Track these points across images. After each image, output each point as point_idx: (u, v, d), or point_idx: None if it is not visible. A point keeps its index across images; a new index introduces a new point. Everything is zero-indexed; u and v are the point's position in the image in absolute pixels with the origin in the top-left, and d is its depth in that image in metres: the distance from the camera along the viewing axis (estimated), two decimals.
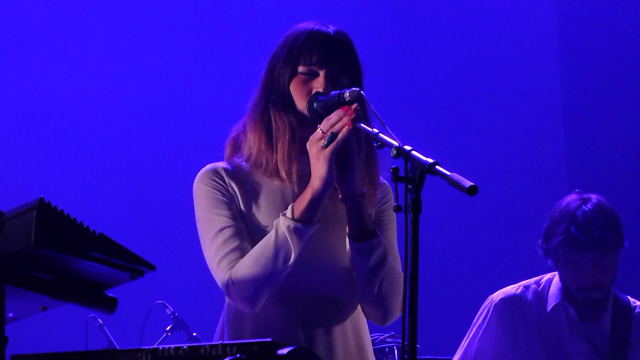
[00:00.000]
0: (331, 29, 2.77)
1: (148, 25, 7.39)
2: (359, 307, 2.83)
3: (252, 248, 2.71)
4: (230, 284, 2.69)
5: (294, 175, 2.75)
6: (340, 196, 2.69)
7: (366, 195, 2.74)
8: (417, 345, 2.29)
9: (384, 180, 2.88)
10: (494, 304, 3.80)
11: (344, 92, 2.62)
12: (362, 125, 2.57)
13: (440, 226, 6.98)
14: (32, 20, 7.22)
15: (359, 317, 2.84)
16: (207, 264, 2.78)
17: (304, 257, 2.71)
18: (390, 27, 7.51)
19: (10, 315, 2.33)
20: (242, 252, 2.72)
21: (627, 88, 7.06)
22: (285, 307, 2.75)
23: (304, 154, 2.71)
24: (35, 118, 7.20)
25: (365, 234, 2.71)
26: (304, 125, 2.74)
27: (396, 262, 2.80)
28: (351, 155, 2.65)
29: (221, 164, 2.84)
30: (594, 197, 3.74)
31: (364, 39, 7.59)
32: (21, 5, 7.21)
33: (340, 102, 2.62)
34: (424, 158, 2.30)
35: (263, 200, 2.78)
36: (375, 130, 2.50)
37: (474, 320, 3.83)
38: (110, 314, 2.32)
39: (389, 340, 5.34)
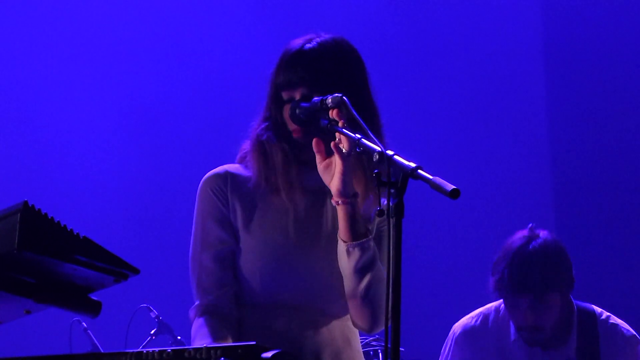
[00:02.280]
0: (309, 44, 2.80)
1: (140, 25, 7.39)
2: (349, 317, 2.84)
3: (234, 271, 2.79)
4: (192, 316, 2.81)
5: (296, 196, 2.80)
6: (333, 199, 2.71)
7: (359, 197, 2.76)
8: (401, 349, 2.30)
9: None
10: (455, 337, 3.80)
11: (326, 98, 2.63)
12: (344, 130, 2.58)
13: (424, 230, 7.00)
14: (14, 18, 7.22)
15: (350, 328, 2.85)
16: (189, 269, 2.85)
17: (295, 268, 2.76)
18: (370, 27, 7.52)
19: None
20: (218, 288, 2.79)
21: (613, 92, 7.08)
22: (274, 317, 2.77)
23: (307, 170, 2.79)
24: (19, 121, 7.19)
25: (357, 235, 2.73)
26: (299, 148, 2.79)
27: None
28: (342, 158, 2.67)
29: (230, 169, 2.87)
30: (541, 235, 3.68)
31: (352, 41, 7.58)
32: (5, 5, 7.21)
33: (322, 108, 2.64)
34: (406, 162, 2.32)
35: (262, 215, 2.82)
36: (358, 136, 2.51)
37: (441, 351, 3.84)
38: (94, 318, 2.32)
39: (373, 343, 5.35)
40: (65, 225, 2.16)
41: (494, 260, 3.69)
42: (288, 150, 2.79)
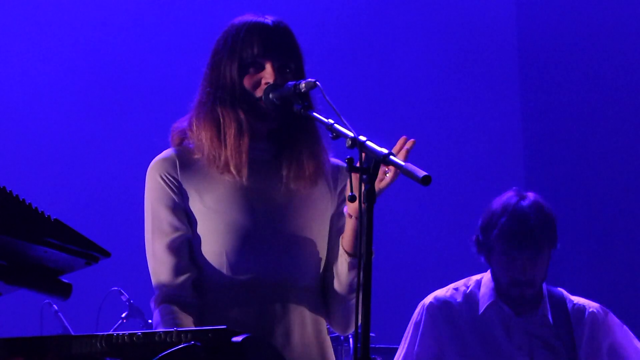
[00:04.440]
0: (269, 19, 2.80)
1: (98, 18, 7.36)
2: (318, 294, 2.85)
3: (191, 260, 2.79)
4: (153, 307, 2.82)
5: (244, 169, 2.77)
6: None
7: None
8: (371, 334, 2.31)
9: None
10: (425, 308, 3.81)
11: (300, 82, 2.64)
12: (316, 115, 2.59)
13: (396, 215, 7.02)
14: None
15: (319, 305, 2.86)
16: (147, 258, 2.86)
17: (258, 245, 2.76)
18: (345, 15, 7.52)
19: None
20: (175, 276, 2.79)
21: (585, 87, 7.11)
22: (241, 298, 2.76)
23: (255, 143, 2.77)
24: None
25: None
26: (257, 118, 2.77)
27: None
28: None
29: (177, 152, 2.83)
30: (531, 194, 3.76)
31: (320, 25, 7.56)
32: None
33: (296, 93, 2.64)
34: (378, 148, 2.32)
35: (217, 195, 2.79)
36: (331, 121, 2.52)
37: (408, 325, 3.85)
38: (65, 300, 2.32)
39: None
40: (36, 208, 2.15)
41: (484, 218, 3.75)
42: (243, 119, 2.76)
